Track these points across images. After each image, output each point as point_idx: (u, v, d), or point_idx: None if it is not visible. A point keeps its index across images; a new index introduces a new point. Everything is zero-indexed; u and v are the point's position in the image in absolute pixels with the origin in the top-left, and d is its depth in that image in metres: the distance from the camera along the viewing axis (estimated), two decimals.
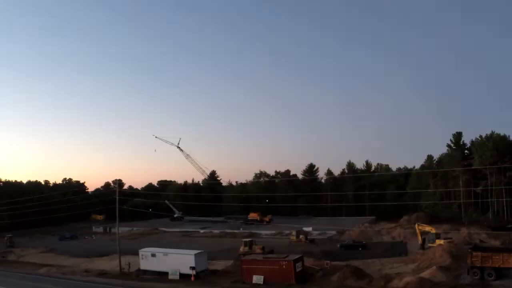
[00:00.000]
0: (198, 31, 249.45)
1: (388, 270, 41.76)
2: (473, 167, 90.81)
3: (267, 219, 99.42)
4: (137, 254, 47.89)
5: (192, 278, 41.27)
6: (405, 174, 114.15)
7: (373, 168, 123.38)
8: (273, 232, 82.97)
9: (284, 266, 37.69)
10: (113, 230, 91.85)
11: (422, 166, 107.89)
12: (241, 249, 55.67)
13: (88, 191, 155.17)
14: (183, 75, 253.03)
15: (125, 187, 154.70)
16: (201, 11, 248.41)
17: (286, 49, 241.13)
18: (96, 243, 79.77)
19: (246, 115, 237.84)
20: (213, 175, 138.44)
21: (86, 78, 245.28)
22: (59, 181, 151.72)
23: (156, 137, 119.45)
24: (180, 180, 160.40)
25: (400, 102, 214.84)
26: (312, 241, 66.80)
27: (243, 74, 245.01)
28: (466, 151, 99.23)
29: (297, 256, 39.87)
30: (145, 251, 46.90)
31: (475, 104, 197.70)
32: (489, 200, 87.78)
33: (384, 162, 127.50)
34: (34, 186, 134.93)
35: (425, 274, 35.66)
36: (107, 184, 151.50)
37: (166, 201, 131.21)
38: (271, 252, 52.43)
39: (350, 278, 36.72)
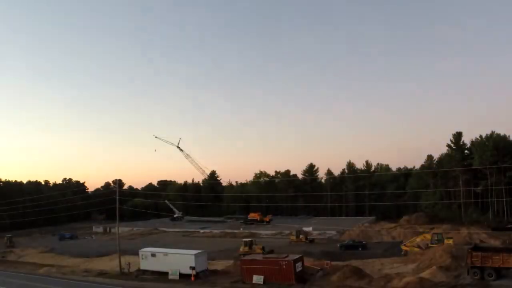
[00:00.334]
0: (197, 31, 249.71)
1: (388, 270, 41.74)
2: (473, 167, 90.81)
3: (267, 219, 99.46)
4: (137, 254, 47.91)
5: (192, 278, 41.28)
6: (405, 174, 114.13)
7: (373, 168, 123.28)
8: (273, 232, 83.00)
9: (284, 266, 37.67)
10: (113, 230, 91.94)
11: (422, 166, 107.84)
12: (241, 249, 55.66)
13: (88, 191, 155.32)
14: (183, 75, 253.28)
15: (125, 187, 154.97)
16: (201, 11, 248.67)
17: (286, 49, 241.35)
18: (96, 243, 79.80)
19: (246, 115, 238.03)
20: (213, 175, 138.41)
21: (86, 78, 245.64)
22: (59, 181, 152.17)
23: (156, 137, 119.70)
24: (180, 180, 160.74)
25: (400, 102, 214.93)
26: (312, 241, 66.81)
27: (243, 74, 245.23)
28: (466, 151, 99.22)
29: (297, 256, 39.85)
30: (145, 251, 46.91)
31: (475, 104, 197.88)
32: (489, 200, 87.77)
33: (384, 162, 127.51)
34: (34, 186, 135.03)
35: (425, 274, 35.65)
36: (107, 184, 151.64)
37: (166, 201, 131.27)
38: (271, 252, 52.43)
39: (350, 278, 36.70)
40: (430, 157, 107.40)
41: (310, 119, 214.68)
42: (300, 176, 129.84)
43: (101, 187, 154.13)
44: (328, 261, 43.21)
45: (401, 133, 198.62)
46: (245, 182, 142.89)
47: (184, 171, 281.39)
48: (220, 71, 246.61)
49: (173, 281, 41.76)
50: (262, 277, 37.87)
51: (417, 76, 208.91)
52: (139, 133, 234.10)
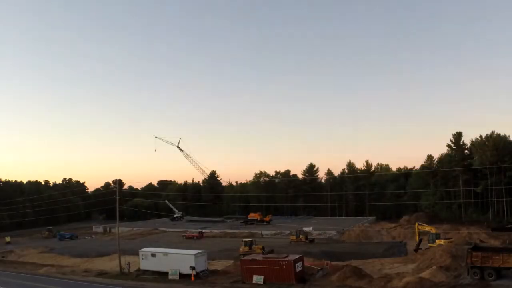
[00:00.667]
0: (198, 32, 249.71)
1: (388, 270, 41.73)
2: (473, 167, 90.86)
3: (267, 219, 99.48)
4: (137, 254, 47.90)
5: (192, 278, 41.26)
6: (405, 174, 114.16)
7: (373, 168, 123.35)
8: (273, 232, 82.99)
9: (284, 266, 37.64)
10: (113, 230, 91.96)
11: (422, 166, 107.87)
12: (241, 249, 55.64)
13: (88, 191, 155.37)
14: (183, 75, 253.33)
15: (125, 187, 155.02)
16: (201, 11, 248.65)
17: (286, 50, 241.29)
18: (96, 243, 79.78)
19: (246, 115, 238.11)
20: (213, 175, 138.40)
21: (86, 78, 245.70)
22: (59, 181, 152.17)
23: (156, 137, 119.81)
24: (180, 180, 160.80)
25: (400, 102, 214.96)
26: (312, 241, 66.82)
27: (243, 74, 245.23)
28: (466, 151, 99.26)
29: (297, 256, 39.80)
30: (145, 251, 46.90)
31: (475, 104, 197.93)
32: (489, 200, 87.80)
33: (384, 162, 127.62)
34: (34, 186, 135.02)
35: (425, 274, 35.62)
36: (107, 184, 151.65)
37: (166, 201, 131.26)
38: (271, 252, 52.41)
39: (350, 278, 36.66)
40: (430, 157, 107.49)
41: (310, 119, 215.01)
42: (300, 176, 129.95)
43: (101, 187, 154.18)
44: (328, 261, 43.20)
45: (401, 133, 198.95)
46: (245, 182, 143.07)
47: (184, 171, 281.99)
48: (220, 71, 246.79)
49: (173, 281, 41.74)
50: (262, 277, 37.85)
51: (417, 76, 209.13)
52: (139, 133, 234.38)
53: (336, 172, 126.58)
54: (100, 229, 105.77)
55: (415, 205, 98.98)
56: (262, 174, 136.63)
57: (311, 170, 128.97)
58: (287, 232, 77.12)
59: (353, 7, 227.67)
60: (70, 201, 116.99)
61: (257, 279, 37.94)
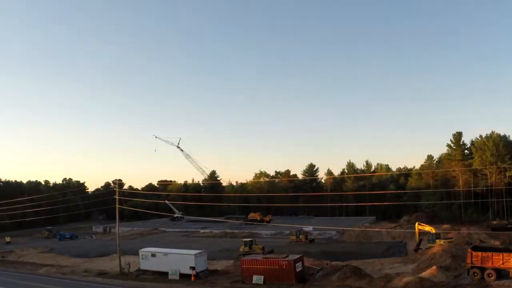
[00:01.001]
0: (198, 32, 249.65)
1: (388, 270, 41.71)
2: (473, 167, 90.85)
3: (267, 219, 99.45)
4: (137, 254, 47.89)
5: (192, 278, 41.26)
6: (405, 174, 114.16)
7: (373, 168, 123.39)
8: (273, 232, 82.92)
9: (284, 266, 37.62)
10: (113, 230, 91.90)
11: (422, 166, 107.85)
12: (241, 249, 55.63)
13: (88, 191, 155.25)
14: (183, 75, 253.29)
15: (125, 187, 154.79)
16: (201, 12, 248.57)
17: (286, 50, 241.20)
18: (96, 243, 79.78)
19: (246, 115, 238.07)
20: (213, 175, 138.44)
21: (86, 78, 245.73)
22: (59, 181, 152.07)
23: (156, 137, 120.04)
24: (180, 180, 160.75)
25: (400, 102, 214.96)
26: (312, 241, 66.74)
27: (243, 74, 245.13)
28: (466, 151, 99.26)
29: (297, 256, 39.78)
30: (145, 251, 46.89)
31: (475, 104, 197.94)
32: (489, 200, 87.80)
33: (384, 162, 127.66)
34: (34, 186, 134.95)
35: (425, 274, 35.62)
36: (107, 184, 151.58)
37: (166, 201, 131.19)
38: (271, 252, 52.41)
39: (350, 278, 36.66)
40: (430, 157, 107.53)
41: (310, 119, 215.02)
42: (300, 176, 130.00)
43: (101, 187, 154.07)
44: (328, 261, 43.18)
45: (401, 133, 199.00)
46: (245, 182, 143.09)
47: (184, 171, 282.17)
48: (220, 71, 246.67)
49: (173, 281, 41.73)
50: (262, 277, 37.83)
51: (417, 76, 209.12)
52: (139, 133, 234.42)
53: (336, 172, 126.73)
54: (100, 229, 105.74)
55: (415, 205, 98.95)
56: (262, 174, 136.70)
57: (311, 170, 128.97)
58: (287, 232, 77.07)
59: (353, 7, 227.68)
60: (70, 201, 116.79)
61: (257, 279, 37.93)
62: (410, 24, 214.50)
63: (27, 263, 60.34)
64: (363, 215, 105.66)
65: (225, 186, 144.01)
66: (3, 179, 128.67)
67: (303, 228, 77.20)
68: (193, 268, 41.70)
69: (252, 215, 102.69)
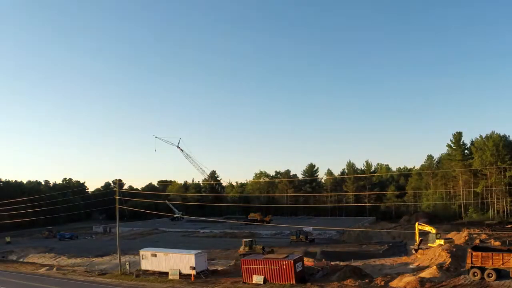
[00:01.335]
0: (198, 32, 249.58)
1: (388, 270, 41.72)
2: (473, 167, 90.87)
3: (267, 219, 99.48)
4: (137, 254, 47.88)
5: (192, 278, 41.27)
6: (405, 174, 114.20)
7: (373, 168, 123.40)
8: (273, 232, 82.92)
9: (284, 266, 37.62)
10: (113, 230, 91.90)
11: (422, 166, 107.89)
12: (241, 249, 55.64)
13: (88, 191, 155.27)
14: (183, 75, 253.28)
15: (125, 187, 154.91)
16: (201, 12, 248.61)
17: (286, 50, 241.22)
18: (96, 243, 79.79)
19: (246, 115, 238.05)
20: (213, 175, 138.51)
21: (86, 78, 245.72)
22: (59, 181, 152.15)
23: (156, 137, 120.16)
24: (180, 180, 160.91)
25: (401, 102, 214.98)
26: (312, 241, 66.73)
27: (243, 74, 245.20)
28: (466, 151, 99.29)
29: (297, 256, 39.81)
30: (145, 251, 46.92)
31: (475, 104, 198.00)
32: (489, 200, 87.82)
33: (384, 162, 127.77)
34: (34, 186, 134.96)
35: (425, 274, 35.63)
36: (107, 184, 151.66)
37: (166, 201, 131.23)
38: (271, 252, 52.40)
39: (350, 278, 36.66)
40: (430, 157, 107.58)
41: (310, 119, 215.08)
42: (300, 176, 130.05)
43: (101, 187, 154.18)
44: (328, 261, 43.17)
45: (401, 133, 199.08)
46: (245, 182, 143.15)
47: (184, 171, 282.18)
48: (220, 71, 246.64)
49: (173, 281, 41.73)
50: (262, 277, 37.83)
51: (417, 75, 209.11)
52: (139, 133, 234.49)
53: (336, 172, 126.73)
54: (100, 229, 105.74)
55: (415, 205, 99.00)
56: (262, 174, 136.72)
57: (311, 170, 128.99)
58: (287, 232, 77.06)
59: (353, 8, 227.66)
60: (70, 201, 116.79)
61: (257, 279, 37.92)
62: (410, 24, 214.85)
63: (27, 263, 60.38)
64: (363, 215, 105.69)
65: (225, 186, 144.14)
66: (3, 179, 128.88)
67: (303, 228, 77.24)
68: (193, 268, 41.72)
69: (252, 215, 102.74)
